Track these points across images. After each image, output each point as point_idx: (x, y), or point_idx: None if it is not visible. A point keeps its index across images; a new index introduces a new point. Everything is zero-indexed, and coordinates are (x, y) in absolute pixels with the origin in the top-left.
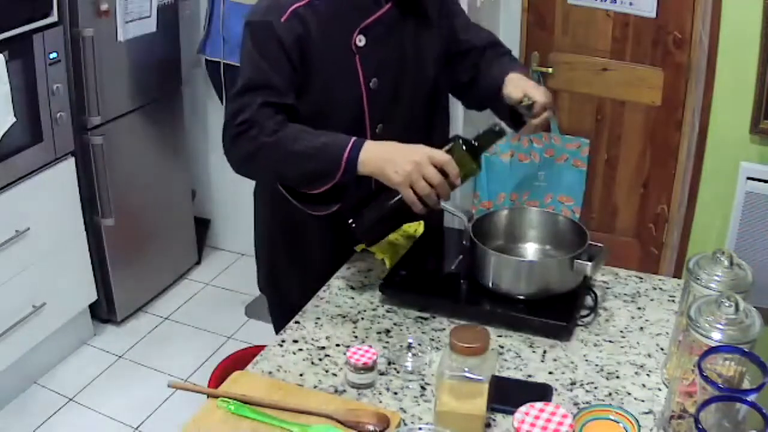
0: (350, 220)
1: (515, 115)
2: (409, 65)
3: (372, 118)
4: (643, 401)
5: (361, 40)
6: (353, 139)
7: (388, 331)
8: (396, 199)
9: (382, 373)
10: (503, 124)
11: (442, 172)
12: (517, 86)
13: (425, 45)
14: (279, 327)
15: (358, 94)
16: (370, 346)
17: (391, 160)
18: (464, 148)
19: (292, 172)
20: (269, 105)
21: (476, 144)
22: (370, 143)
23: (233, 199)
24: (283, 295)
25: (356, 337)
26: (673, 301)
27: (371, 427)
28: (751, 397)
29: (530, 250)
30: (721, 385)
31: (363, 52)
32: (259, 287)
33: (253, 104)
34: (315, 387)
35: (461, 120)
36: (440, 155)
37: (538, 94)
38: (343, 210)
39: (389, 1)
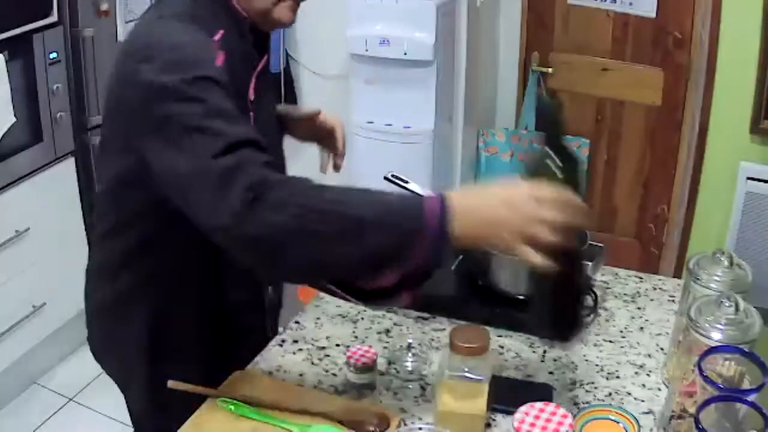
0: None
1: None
2: (273, 127)
3: None
4: (643, 401)
5: (251, 94)
6: (428, 198)
7: (388, 331)
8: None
9: (382, 373)
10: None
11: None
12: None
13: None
14: None
15: None
16: (370, 346)
17: (494, 224)
18: (558, 159)
19: (356, 250)
20: (271, 164)
21: (566, 149)
22: (453, 200)
23: None
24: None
25: (356, 337)
26: (673, 301)
27: (371, 427)
28: (751, 397)
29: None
30: (721, 385)
31: (253, 108)
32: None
33: (255, 161)
34: (315, 387)
35: None
36: (546, 191)
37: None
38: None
39: (264, 53)
